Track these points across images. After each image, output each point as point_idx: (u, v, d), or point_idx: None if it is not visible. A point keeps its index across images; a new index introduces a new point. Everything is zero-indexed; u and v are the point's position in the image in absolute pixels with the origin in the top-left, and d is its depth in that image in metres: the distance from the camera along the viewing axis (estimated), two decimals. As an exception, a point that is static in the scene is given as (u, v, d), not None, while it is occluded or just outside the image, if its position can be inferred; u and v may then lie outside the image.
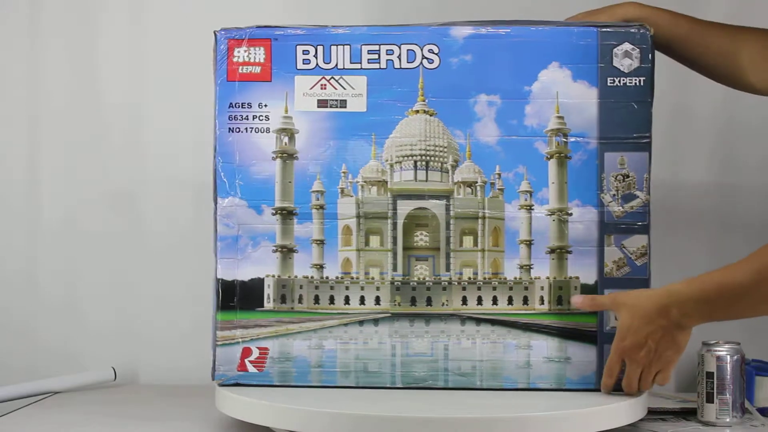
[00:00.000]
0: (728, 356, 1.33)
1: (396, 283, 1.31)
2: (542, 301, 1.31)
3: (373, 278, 1.32)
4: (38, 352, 1.67)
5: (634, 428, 1.29)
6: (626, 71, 1.29)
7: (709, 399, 1.34)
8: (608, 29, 1.29)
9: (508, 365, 1.30)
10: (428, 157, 1.32)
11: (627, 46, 1.29)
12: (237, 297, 1.31)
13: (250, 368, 1.31)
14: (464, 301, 1.31)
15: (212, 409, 1.31)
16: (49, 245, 1.68)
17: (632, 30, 1.29)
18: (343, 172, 1.31)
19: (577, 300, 1.29)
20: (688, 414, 1.39)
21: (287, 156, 1.31)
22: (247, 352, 1.31)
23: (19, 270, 1.68)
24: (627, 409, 1.26)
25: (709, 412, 1.34)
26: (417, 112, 1.31)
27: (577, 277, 1.30)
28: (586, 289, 1.30)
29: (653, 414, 1.36)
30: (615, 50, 1.29)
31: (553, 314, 1.31)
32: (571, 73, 1.30)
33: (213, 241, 1.32)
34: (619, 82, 1.29)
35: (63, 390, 1.56)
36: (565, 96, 1.30)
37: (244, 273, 1.31)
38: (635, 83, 1.29)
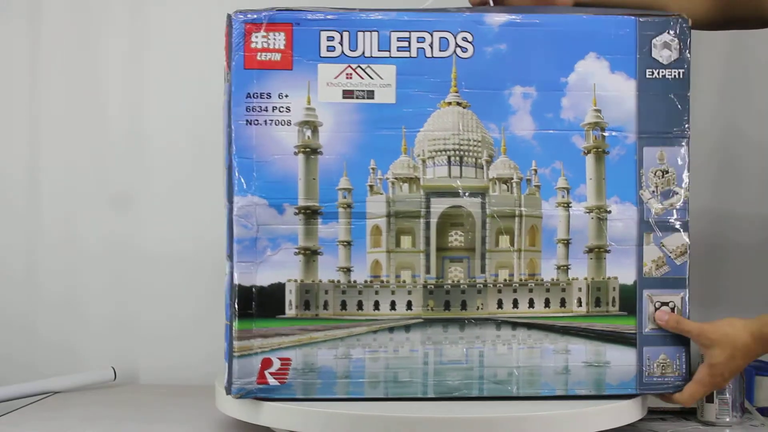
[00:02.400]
0: (728, 356, 1.31)
1: (429, 286, 1.23)
2: (580, 303, 1.25)
3: (404, 281, 1.23)
4: (38, 352, 1.64)
5: (634, 428, 1.27)
6: (665, 63, 1.24)
7: (709, 399, 1.33)
8: (647, 18, 1.24)
9: (545, 371, 1.23)
10: (462, 152, 1.24)
11: (666, 36, 1.24)
12: (255, 304, 1.20)
13: (271, 380, 1.20)
14: (500, 304, 1.24)
15: (212, 409, 1.28)
16: (50, 245, 1.65)
17: (671, 19, 1.24)
18: (372, 168, 1.22)
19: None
20: (688, 414, 1.38)
21: (310, 150, 1.21)
22: (267, 363, 1.20)
23: (19, 270, 1.65)
24: (627, 409, 1.23)
25: (709, 412, 1.34)
26: (449, 104, 1.23)
27: (616, 278, 1.24)
28: (625, 290, 1.24)
29: (653, 414, 1.35)
30: (654, 41, 1.24)
31: (592, 317, 1.25)
32: (609, 64, 1.24)
33: (226, 244, 1.21)
34: (658, 74, 1.24)
35: (63, 390, 1.54)
36: (602, 88, 1.24)
37: (263, 278, 1.20)
38: (674, 75, 1.24)
